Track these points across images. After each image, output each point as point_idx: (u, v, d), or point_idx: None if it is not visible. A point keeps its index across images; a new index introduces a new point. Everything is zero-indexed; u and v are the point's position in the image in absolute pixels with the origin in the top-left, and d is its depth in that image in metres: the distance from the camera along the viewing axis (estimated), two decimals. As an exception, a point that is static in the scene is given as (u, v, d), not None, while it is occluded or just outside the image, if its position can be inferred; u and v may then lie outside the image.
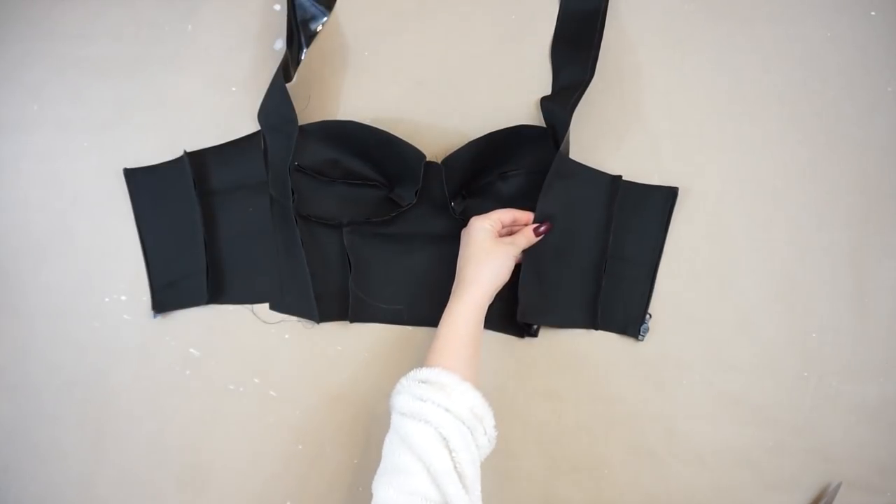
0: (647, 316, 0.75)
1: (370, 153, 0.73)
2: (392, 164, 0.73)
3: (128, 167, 0.76)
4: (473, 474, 0.59)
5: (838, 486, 0.74)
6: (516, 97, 0.77)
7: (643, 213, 0.75)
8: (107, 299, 0.76)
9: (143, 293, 0.76)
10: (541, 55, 0.77)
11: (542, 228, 0.71)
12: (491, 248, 0.68)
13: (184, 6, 0.77)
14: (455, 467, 0.58)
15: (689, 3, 0.78)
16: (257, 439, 0.75)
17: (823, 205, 0.76)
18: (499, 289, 0.69)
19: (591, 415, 0.75)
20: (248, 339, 0.76)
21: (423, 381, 0.62)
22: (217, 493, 0.75)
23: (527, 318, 0.73)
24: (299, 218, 0.73)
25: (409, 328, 0.76)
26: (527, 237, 0.71)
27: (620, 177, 0.74)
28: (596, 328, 0.75)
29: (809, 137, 0.77)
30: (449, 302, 0.68)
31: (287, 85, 0.71)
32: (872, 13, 0.77)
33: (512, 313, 0.73)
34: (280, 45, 0.77)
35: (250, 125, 0.76)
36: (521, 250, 0.71)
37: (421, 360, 0.75)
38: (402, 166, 0.72)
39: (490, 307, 0.74)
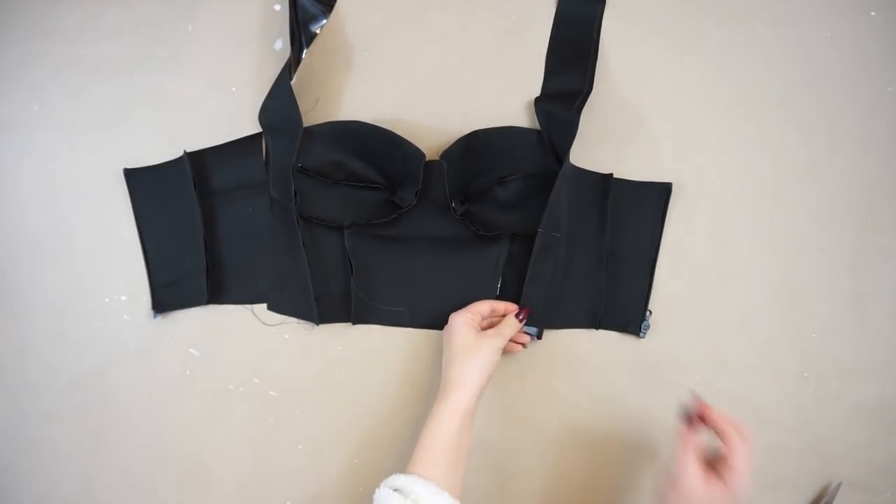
0: (648, 313, 0.75)
1: (374, 154, 0.73)
2: (394, 165, 0.73)
3: (128, 167, 0.76)
4: None
5: (838, 486, 0.74)
6: (516, 97, 0.77)
7: (638, 209, 0.75)
8: (107, 299, 0.76)
9: (143, 293, 0.76)
10: (540, 56, 0.77)
11: (522, 316, 0.71)
12: (473, 345, 0.67)
13: (184, 6, 0.77)
14: None
15: (690, 4, 0.78)
16: (257, 439, 0.75)
17: (823, 205, 0.76)
18: (487, 384, 0.67)
19: (591, 415, 0.75)
20: (248, 339, 0.76)
21: (396, 490, 0.60)
22: (217, 493, 0.75)
23: (529, 322, 0.73)
24: (301, 219, 0.73)
25: (410, 329, 0.76)
26: (511, 326, 0.70)
27: (611, 175, 0.74)
28: (598, 328, 0.75)
29: (809, 137, 0.77)
30: (434, 404, 0.66)
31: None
32: (872, 13, 0.77)
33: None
34: (280, 45, 0.77)
35: (250, 125, 0.76)
36: (507, 340, 0.69)
37: (420, 360, 0.76)
38: (404, 167, 0.72)
39: None
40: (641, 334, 0.75)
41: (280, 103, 0.71)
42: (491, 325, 0.72)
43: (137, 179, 0.76)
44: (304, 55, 0.76)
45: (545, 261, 0.72)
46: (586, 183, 0.74)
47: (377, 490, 0.61)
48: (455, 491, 0.62)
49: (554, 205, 0.70)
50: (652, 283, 0.75)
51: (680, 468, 0.61)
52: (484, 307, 0.71)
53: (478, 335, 0.68)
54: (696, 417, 0.63)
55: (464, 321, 0.69)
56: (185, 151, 0.74)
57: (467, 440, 0.65)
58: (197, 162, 0.75)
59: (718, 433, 0.62)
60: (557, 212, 0.71)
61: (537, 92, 0.76)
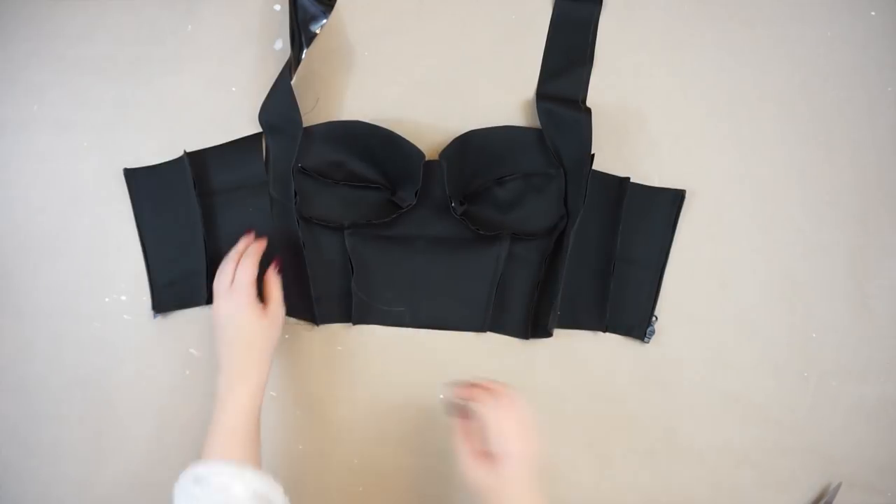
0: (654, 318, 0.75)
1: (374, 154, 0.73)
2: (394, 165, 0.73)
3: (128, 167, 0.76)
4: None
5: (838, 486, 0.74)
6: (516, 97, 0.77)
7: (650, 215, 0.75)
8: (107, 299, 0.76)
9: (143, 293, 0.76)
10: (540, 55, 0.77)
11: (278, 268, 0.69)
12: (261, 327, 0.65)
13: (184, 6, 0.77)
14: None
15: (689, 4, 0.78)
16: (257, 439, 0.75)
17: (823, 205, 0.76)
18: (273, 350, 0.66)
19: (592, 415, 0.75)
20: (248, 339, 0.76)
21: (198, 480, 0.58)
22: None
23: (551, 324, 0.73)
24: (301, 220, 0.72)
25: (410, 329, 0.76)
26: (276, 284, 0.69)
27: (628, 179, 0.74)
28: (605, 331, 0.75)
29: (809, 137, 0.77)
30: (226, 388, 0.64)
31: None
32: (872, 13, 0.77)
33: (521, 317, 0.74)
34: (280, 45, 0.77)
35: (250, 125, 0.76)
36: (282, 301, 0.68)
37: (421, 360, 0.76)
38: (404, 166, 0.72)
39: (500, 312, 0.74)
40: (646, 339, 0.75)
41: (280, 103, 0.71)
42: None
43: (137, 179, 0.76)
44: (303, 55, 0.76)
45: (566, 262, 0.72)
46: (601, 185, 0.74)
47: (177, 484, 0.59)
48: (258, 463, 0.62)
49: (580, 207, 0.71)
50: (660, 289, 0.75)
51: (459, 461, 0.59)
52: (251, 274, 0.67)
53: (262, 317, 0.66)
54: (461, 407, 0.61)
55: (246, 303, 0.65)
56: (185, 151, 0.74)
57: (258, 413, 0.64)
58: (197, 162, 0.75)
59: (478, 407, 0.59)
60: (577, 204, 0.71)
61: (537, 92, 0.76)
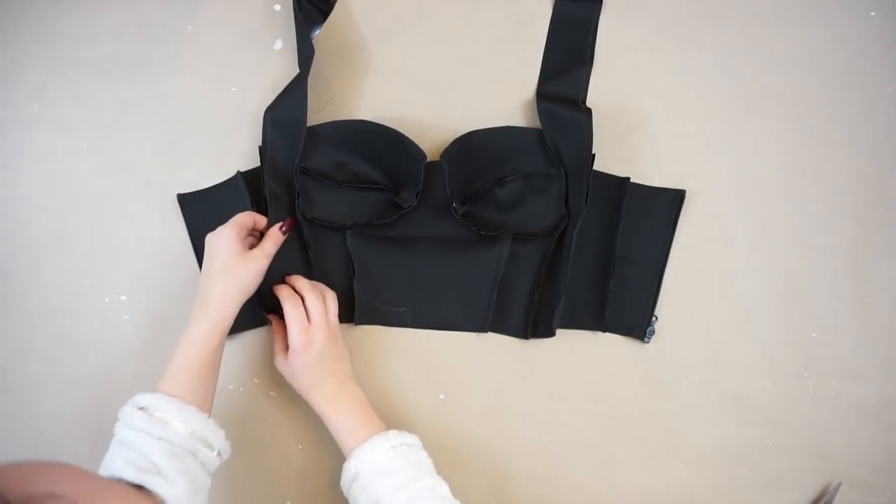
0: (654, 318, 0.75)
1: (376, 153, 0.73)
2: (397, 165, 0.73)
3: (181, 193, 0.75)
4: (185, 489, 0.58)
5: (838, 486, 0.74)
6: (516, 97, 0.77)
7: (650, 215, 0.75)
8: (107, 299, 0.76)
9: (143, 293, 0.76)
10: (540, 56, 0.77)
11: (285, 228, 0.68)
12: (236, 266, 0.64)
13: (184, 6, 0.77)
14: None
15: (689, 4, 0.78)
16: (257, 439, 0.75)
17: (823, 205, 0.76)
18: (245, 301, 0.65)
19: (591, 415, 0.75)
20: (248, 339, 0.76)
21: (141, 409, 0.59)
22: (216, 492, 0.75)
23: (555, 324, 0.73)
24: (303, 220, 0.72)
25: (411, 330, 0.76)
26: (274, 239, 0.67)
27: (628, 179, 0.74)
28: (604, 331, 0.75)
29: (809, 137, 0.77)
30: (190, 324, 0.63)
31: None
32: (872, 13, 0.77)
33: (521, 317, 0.74)
34: (280, 45, 0.77)
35: (251, 125, 0.76)
36: (271, 257, 0.67)
37: (422, 360, 0.76)
38: (406, 167, 0.72)
39: (501, 312, 0.74)
40: (646, 339, 0.75)
41: (292, 103, 0.71)
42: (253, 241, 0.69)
43: (191, 203, 0.75)
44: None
45: (569, 261, 0.72)
46: (601, 185, 0.74)
47: (122, 408, 0.60)
48: (206, 406, 0.63)
49: (581, 207, 0.71)
50: (660, 288, 0.75)
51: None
52: (248, 219, 0.67)
53: (241, 256, 0.64)
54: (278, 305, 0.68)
55: (229, 236, 0.64)
56: (238, 171, 0.73)
57: (220, 357, 0.65)
58: (250, 180, 0.73)
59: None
60: (579, 203, 0.71)
61: (537, 92, 0.76)
